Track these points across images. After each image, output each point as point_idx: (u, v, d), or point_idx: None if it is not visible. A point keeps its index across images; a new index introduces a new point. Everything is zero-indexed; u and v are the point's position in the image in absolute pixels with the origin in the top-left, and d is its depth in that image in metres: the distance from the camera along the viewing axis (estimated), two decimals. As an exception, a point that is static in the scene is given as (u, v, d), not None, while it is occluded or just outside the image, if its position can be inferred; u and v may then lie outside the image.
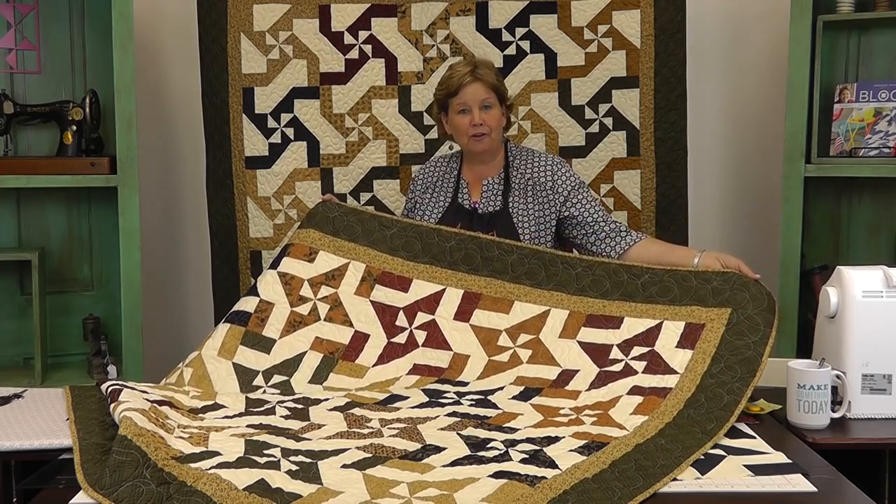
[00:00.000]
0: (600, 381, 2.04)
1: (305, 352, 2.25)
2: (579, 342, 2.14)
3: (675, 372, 1.98)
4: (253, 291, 2.39)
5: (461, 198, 2.57)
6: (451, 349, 2.23)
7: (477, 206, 2.55)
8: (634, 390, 1.96)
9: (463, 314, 2.27)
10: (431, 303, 2.30)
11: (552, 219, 2.51)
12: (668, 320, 2.10)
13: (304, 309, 2.32)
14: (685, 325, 2.07)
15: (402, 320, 2.29)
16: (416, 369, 2.22)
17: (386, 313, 2.31)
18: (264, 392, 2.16)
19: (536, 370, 2.13)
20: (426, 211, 2.59)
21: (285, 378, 2.20)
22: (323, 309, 2.32)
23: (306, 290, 2.35)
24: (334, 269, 2.39)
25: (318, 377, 2.21)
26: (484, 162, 2.57)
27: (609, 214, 2.55)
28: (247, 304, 2.35)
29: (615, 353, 2.09)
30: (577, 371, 2.09)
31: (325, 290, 2.35)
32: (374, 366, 2.23)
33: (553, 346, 2.16)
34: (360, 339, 2.28)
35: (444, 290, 2.31)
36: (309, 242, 2.44)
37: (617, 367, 2.05)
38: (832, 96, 2.87)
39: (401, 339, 2.27)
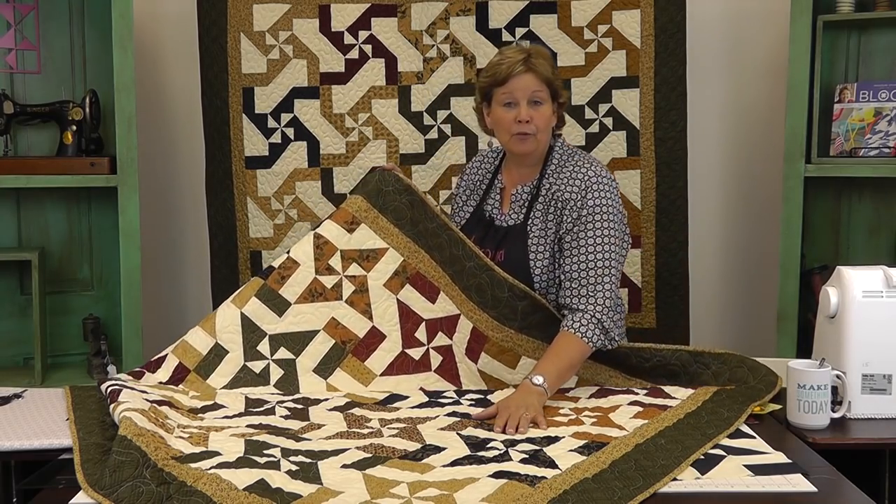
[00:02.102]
0: (601, 395, 2.06)
1: (318, 331, 2.18)
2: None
3: (676, 398, 2.02)
4: (288, 251, 2.31)
5: (487, 204, 2.33)
6: (461, 385, 2.18)
7: (498, 217, 2.29)
8: (635, 403, 1.97)
9: (472, 353, 2.16)
10: (451, 326, 2.20)
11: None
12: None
13: (328, 281, 2.23)
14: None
15: (421, 333, 2.21)
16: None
17: (409, 319, 2.21)
18: (268, 365, 2.14)
19: None
20: (462, 214, 2.40)
21: (291, 356, 2.16)
22: (347, 289, 2.22)
23: (336, 262, 2.24)
24: (370, 250, 2.26)
25: (324, 368, 2.16)
26: (524, 164, 2.26)
27: (600, 272, 2.09)
28: (277, 260, 2.28)
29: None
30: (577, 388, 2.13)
31: (354, 269, 2.24)
32: (381, 374, 2.17)
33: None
34: (375, 337, 2.20)
35: (458, 315, 2.20)
36: (353, 210, 2.30)
37: (618, 392, 2.10)
38: (832, 96, 2.87)
39: (416, 353, 2.20)
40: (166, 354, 2.16)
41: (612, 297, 2.11)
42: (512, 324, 2.13)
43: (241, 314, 2.18)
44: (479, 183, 2.42)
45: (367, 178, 2.41)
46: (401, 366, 2.19)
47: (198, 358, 2.14)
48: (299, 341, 2.18)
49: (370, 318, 2.22)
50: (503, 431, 1.81)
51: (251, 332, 2.17)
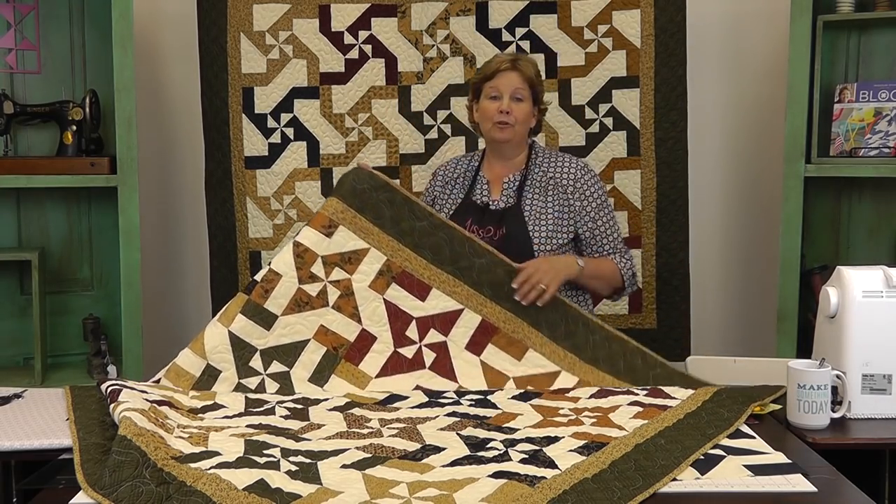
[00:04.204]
0: (601, 395, 2.06)
1: (308, 340, 2.16)
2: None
3: (676, 398, 2.01)
4: (269, 262, 2.29)
5: (475, 195, 2.50)
6: (457, 381, 2.17)
7: (493, 202, 2.47)
8: (635, 403, 1.97)
9: (476, 346, 2.18)
10: (446, 322, 2.20)
11: (571, 222, 2.46)
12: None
13: (312, 289, 2.20)
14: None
15: (412, 331, 2.20)
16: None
17: (398, 318, 2.21)
18: (262, 380, 2.13)
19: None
20: (443, 207, 2.54)
21: (285, 369, 2.14)
22: (333, 294, 2.20)
23: (318, 268, 2.21)
24: (352, 252, 2.23)
25: (319, 376, 2.15)
26: (505, 157, 2.50)
27: (621, 242, 2.52)
28: (260, 273, 2.25)
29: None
30: (577, 388, 2.13)
31: (338, 273, 2.22)
32: (377, 376, 2.16)
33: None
34: (366, 340, 2.19)
35: (462, 310, 2.21)
36: (330, 213, 2.25)
37: (618, 392, 2.10)
38: (832, 96, 2.87)
39: (408, 352, 2.19)
40: (159, 378, 2.14)
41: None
42: (525, 317, 2.20)
43: (229, 332, 2.15)
44: (457, 179, 2.58)
45: (341, 179, 2.37)
46: (395, 365, 2.18)
47: (191, 381, 2.11)
48: (291, 353, 2.15)
49: (359, 321, 2.20)
50: (519, 289, 2.19)
51: (241, 349, 2.14)
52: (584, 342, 2.19)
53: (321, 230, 2.24)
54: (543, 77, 2.89)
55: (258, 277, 2.22)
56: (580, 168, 2.49)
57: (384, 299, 2.22)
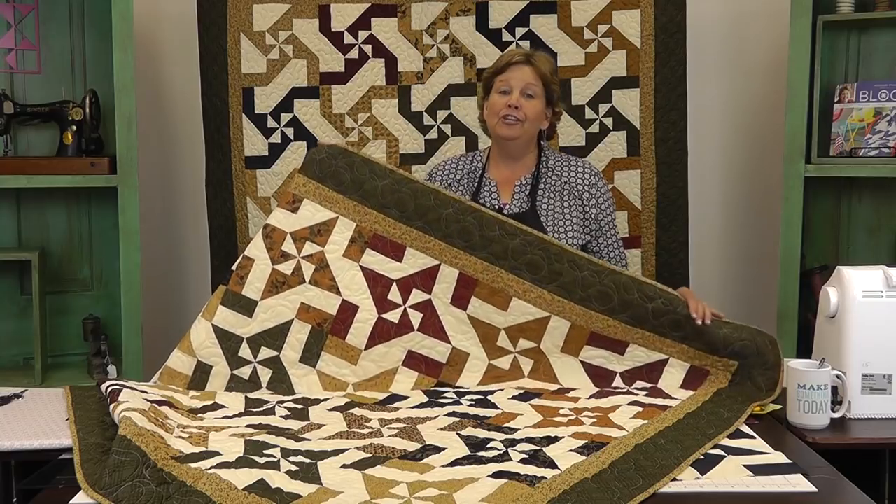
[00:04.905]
0: (601, 395, 2.07)
1: (291, 320, 2.15)
2: (582, 361, 2.14)
3: (676, 399, 2.02)
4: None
5: (483, 198, 2.44)
6: (449, 342, 2.16)
7: (505, 206, 2.42)
8: (635, 403, 1.98)
9: (460, 300, 2.15)
10: (427, 279, 2.16)
11: (587, 228, 2.43)
12: (673, 357, 2.11)
13: (286, 268, 2.18)
14: (690, 367, 2.10)
15: (395, 295, 2.16)
16: (412, 360, 2.15)
17: (377, 283, 2.17)
18: (254, 368, 2.13)
19: (537, 385, 2.14)
20: None
21: (274, 353, 2.14)
22: (308, 270, 2.18)
23: (289, 246, 2.19)
24: (320, 224, 2.21)
25: (309, 355, 2.14)
26: (512, 157, 2.45)
27: (623, 253, 2.53)
28: (236, 262, 2.24)
29: (618, 382, 2.13)
30: (578, 388, 2.13)
31: (309, 248, 2.19)
32: (366, 348, 2.15)
33: (555, 360, 2.14)
34: (348, 311, 2.15)
35: (438, 265, 2.16)
36: (293, 188, 2.24)
37: (618, 391, 2.10)
38: (832, 96, 2.87)
39: (393, 316, 2.16)
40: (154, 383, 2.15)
41: None
42: (502, 263, 2.15)
43: (213, 326, 2.15)
44: (460, 180, 2.51)
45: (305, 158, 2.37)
46: (382, 333, 2.15)
47: (185, 381, 2.12)
48: (277, 336, 2.15)
49: (337, 292, 2.17)
50: (701, 319, 2.09)
51: (228, 340, 2.14)
52: (573, 281, 2.13)
53: (287, 207, 2.23)
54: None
55: (234, 267, 2.21)
56: (594, 174, 2.48)
57: (360, 266, 2.18)
